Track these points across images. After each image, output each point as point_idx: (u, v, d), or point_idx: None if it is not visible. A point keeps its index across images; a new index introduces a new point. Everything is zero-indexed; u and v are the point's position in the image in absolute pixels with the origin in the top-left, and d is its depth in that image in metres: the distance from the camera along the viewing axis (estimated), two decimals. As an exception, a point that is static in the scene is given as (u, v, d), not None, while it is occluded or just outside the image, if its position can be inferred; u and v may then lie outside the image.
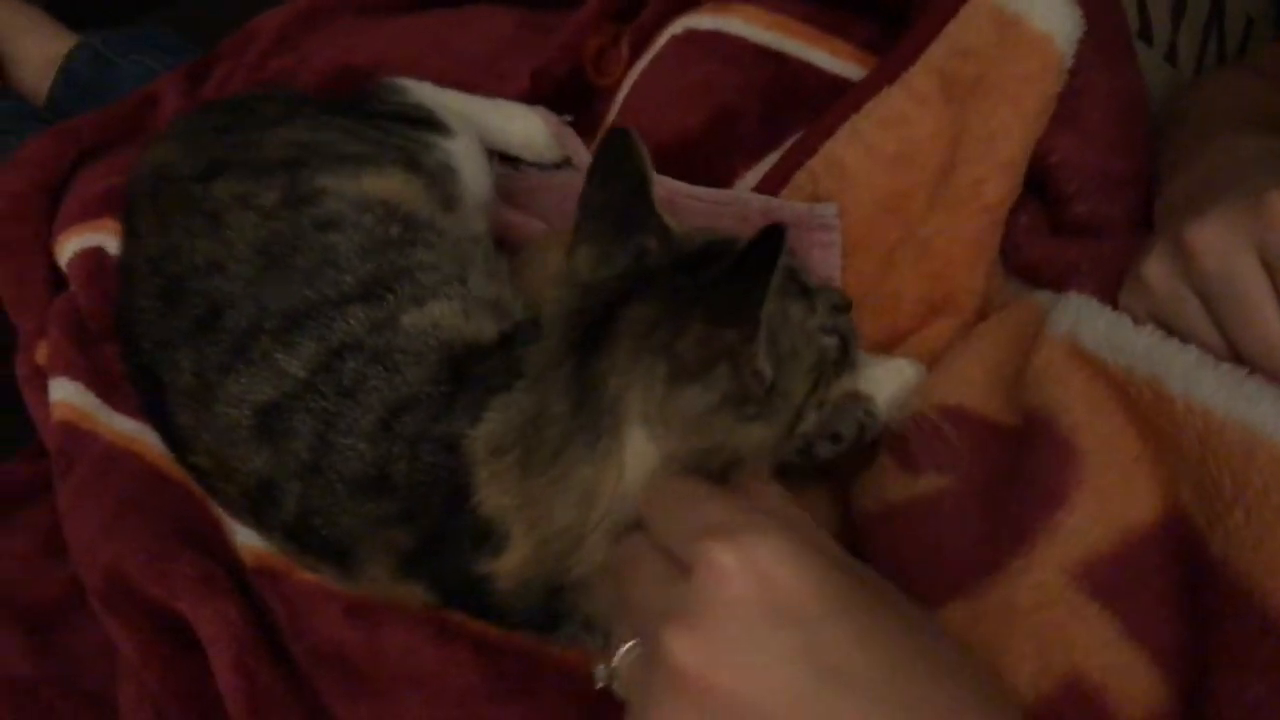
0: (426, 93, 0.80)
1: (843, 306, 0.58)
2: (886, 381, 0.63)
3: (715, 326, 0.48)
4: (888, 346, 0.68)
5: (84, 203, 0.91)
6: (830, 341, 0.55)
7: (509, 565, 0.51)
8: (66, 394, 0.81)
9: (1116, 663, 0.48)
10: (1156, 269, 0.54)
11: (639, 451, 0.49)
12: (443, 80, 0.84)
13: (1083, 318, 0.57)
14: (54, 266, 0.91)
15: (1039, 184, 0.70)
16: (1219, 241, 0.51)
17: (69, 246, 0.88)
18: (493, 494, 0.51)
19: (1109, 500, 0.51)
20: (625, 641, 0.43)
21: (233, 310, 0.59)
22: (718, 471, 0.49)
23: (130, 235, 0.70)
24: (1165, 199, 0.65)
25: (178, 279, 0.62)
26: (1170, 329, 0.54)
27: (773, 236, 0.46)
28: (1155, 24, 0.89)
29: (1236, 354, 0.52)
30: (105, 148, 1.00)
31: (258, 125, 0.70)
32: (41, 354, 0.87)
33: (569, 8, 0.93)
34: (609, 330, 0.51)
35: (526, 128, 0.81)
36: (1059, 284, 0.67)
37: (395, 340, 0.56)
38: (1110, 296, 0.58)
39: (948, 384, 0.62)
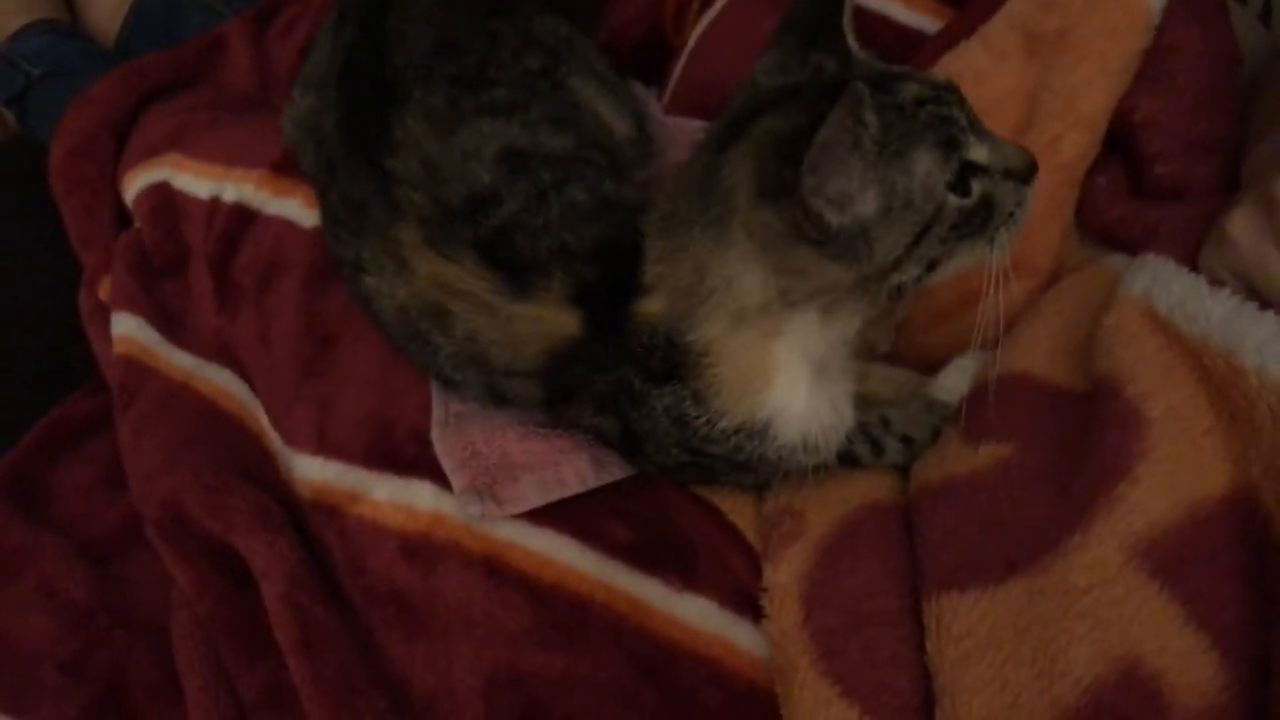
0: None
1: (1018, 172, 0.55)
2: (961, 386, 0.62)
3: (785, 163, 0.50)
4: (964, 307, 0.66)
5: (150, 141, 0.92)
6: (958, 202, 0.53)
7: (647, 310, 0.57)
8: (128, 329, 0.82)
9: (1177, 647, 0.46)
10: (1241, 224, 0.52)
11: (741, 249, 0.54)
12: None
13: (1159, 280, 0.55)
14: (120, 204, 0.92)
15: (1121, 144, 0.68)
16: None
17: (135, 183, 0.89)
18: (650, 251, 0.58)
19: (1176, 472, 0.49)
20: None
21: (502, 89, 0.68)
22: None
23: None
24: (1253, 159, 0.62)
25: (456, 45, 0.70)
26: (1253, 287, 0.52)
27: (848, 90, 0.47)
28: (1248, -17, 0.86)
29: None
30: (172, 87, 1.00)
31: (526, 6, 0.77)
32: (105, 289, 0.88)
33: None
34: (744, 131, 0.54)
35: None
36: (1136, 247, 0.64)
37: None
38: (1190, 260, 0.56)
39: (1015, 351, 0.61)
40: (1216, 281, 0.53)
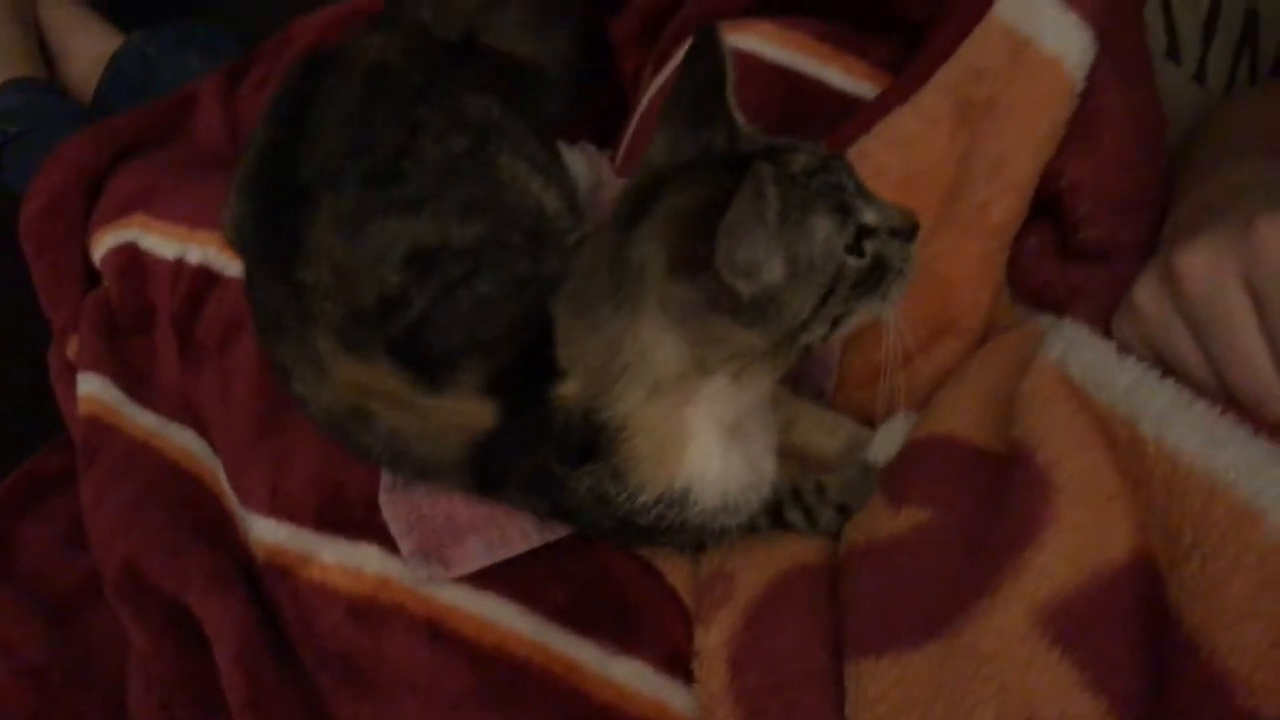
0: None
1: (903, 231, 0.58)
2: (890, 434, 0.64)
3: (695, 239, 0.51)
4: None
5: (119, 201, 0.94)
6: (856, 263, 0.55)
7: (563, 393, 0.57)
8: (93, 389, 0.84)
9: (1076, 712, 0.47)
10: (1147, 294, 0.54)
11: (656, 322, 0.55)
12: None
13: (1073, 346, 0.57)
14: (89, 262, 0.94)
15: (1049, 207, 0.70)
16: (1205, 268, 0.50)
17: (104, 243, 0.91)
18: (560, 332, 0.58)
19: (1081, 538, 0.50)
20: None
21: (414, 183, 0.67)
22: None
23: (319, 80, 0.74)
24: (1169, 224, 0.64)
25: (368, 141, 0.69)
26: (1160, 355, 0.54)
27: (752, 170, 0.49)
28: (1184, 42, 0.88)
29: (1222, 382, 0.51)
30: (144, 145, 1.02)
31: (459, 83, 0.76)
32: (72, 349, 0.90)
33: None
34: (648, 209, 0.55)
35: (572, 159, 0.84)
36: (1062, 308, 0.66)
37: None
38: (1106, 325, 0.58)
39: (940, 413, 0.62)
40: (1126, 349, 0.55)
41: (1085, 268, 0.67)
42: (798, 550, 0.62)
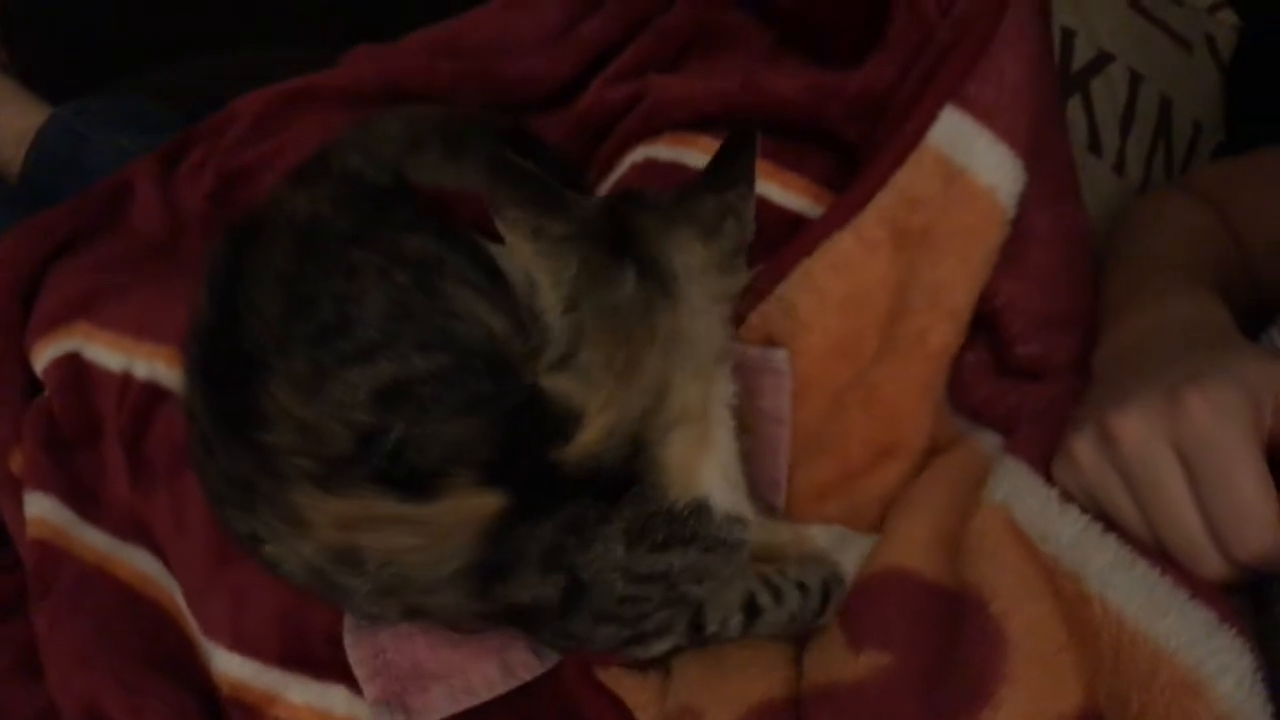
0: None
1: None
2: (850, 548, 0.66)
3: (721, 192, 0.61)
4: (839, 488, 0.71)
5: (58, 307, 0.92)
6: None
7: (584, 441, 0.58)
8: (42, 509, 0.83)
9: None
10: (1084, 450, 0.57)
11: (694, 296, 0.59)
12: None
13: (1016, 491, 0.60)
14: (28, 371, 0.93)
15: (986, 322, 0.73)
16: (1138, 433, 0.53)
17: (45, 354, 0.90)
18: (565, 384, 0.60)
19: (1035, 693, 0.53)
20: None
21: (362, 330, 0.67)
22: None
23: (249, 248, 0.73)
24: (1100, 353, 0.67)
25: (309, 298, 0.69)
26: (1099, 507, 0.57)
27: (747, 130, 0.61)
28: (1104, 135, 0.92)
29: (1156, 539, 0.54)
30: (78, 239, 1.01)
31: (394, 225, 0.77)
32: (16, 462, 0.88)
33: (540, 111, 0.95)
34: (629, 236, 0.61)
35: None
36: (1001, 427, 0.69)
37: None
38: (1045, 466, 0.61)
39: (893, 544, 0.65)
40: (1068, 496, 0.58)
41: (1022, 386, 0.71)
42: (765, 686, 0.64)
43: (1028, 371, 0.72)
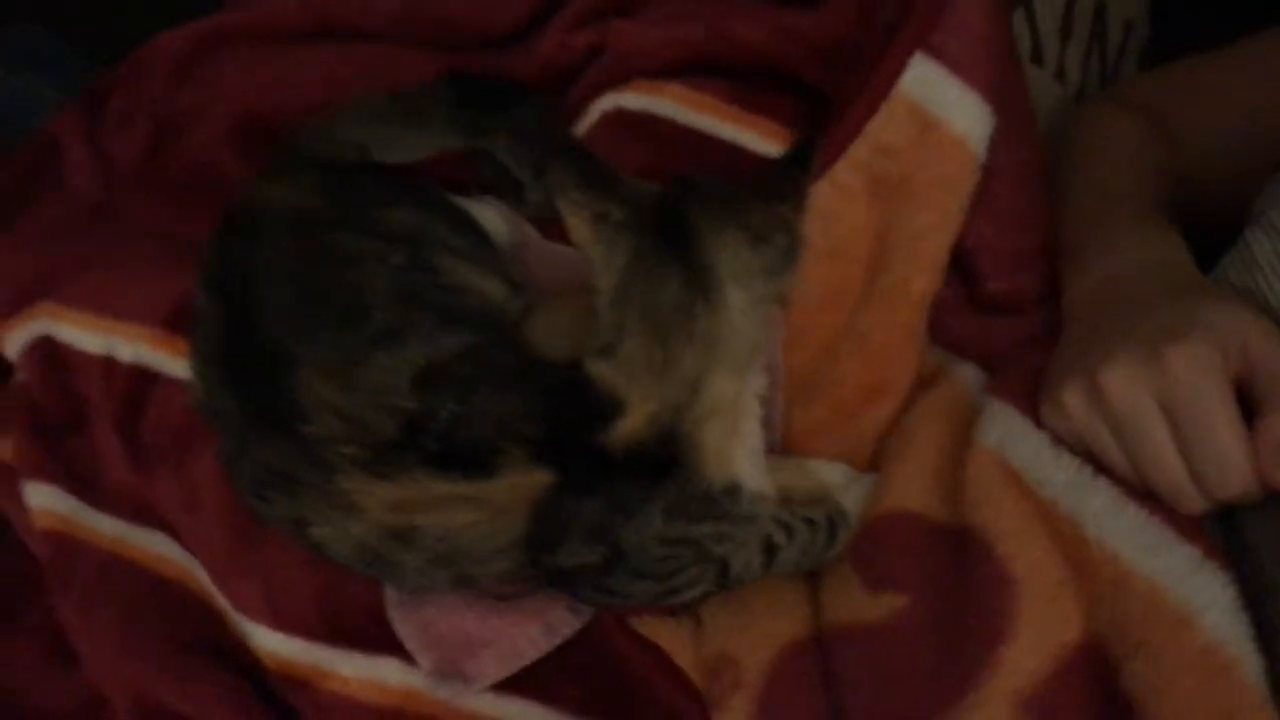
0: None
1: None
2: (853, 485, 0.72)
3: (773, 204, 0.63)
4: (832, 427, 0.76)
5: (16, 287, 0.89)
6: None
7: (628, 429, 0.62)
8: (46, 500, 0.83)
9: None
10: (1074, 400, 0.63)
11: (737, 299, 0.62)
12: None
13: (1009, 436, 0.66)
14: (-2, 355, 0.91)
15: (958, 262, 0.77)
16: (1124, 388, 0.60)
17: (14, 339, 0.88)
18: (607, 371, 0.63)
19: (1043, 627, 0.60)
20: None
21: (381, 314, 0.69)
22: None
23: (252, 243, 0.74)
24: (1070, 295, 0.72)
25: (320, 290, 0.70)
26: (1088, 450, 0.63)
27: (809, 144, 0.64)
28: (1045, 44, 0.95)
29: (1142, 480, 0.61)
30: (10, 206, 0.98)
31: (371, 202, 0.78)
32: (6, 450, 0.88)
33: (492, 51, 0.94)
34: (684, 228, 0.63)
35: (487, 218, 0.84)
36: (980, 361, 0.75)
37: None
38: (1032, 408, 0.67)
39: (895, 486, 0.71)
40: (1057, 439, 0.64)
41: (997, 320, 0.76)
42: (789, 626, 0.70)
43: (1000, 307, 0.77)
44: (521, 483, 0.63)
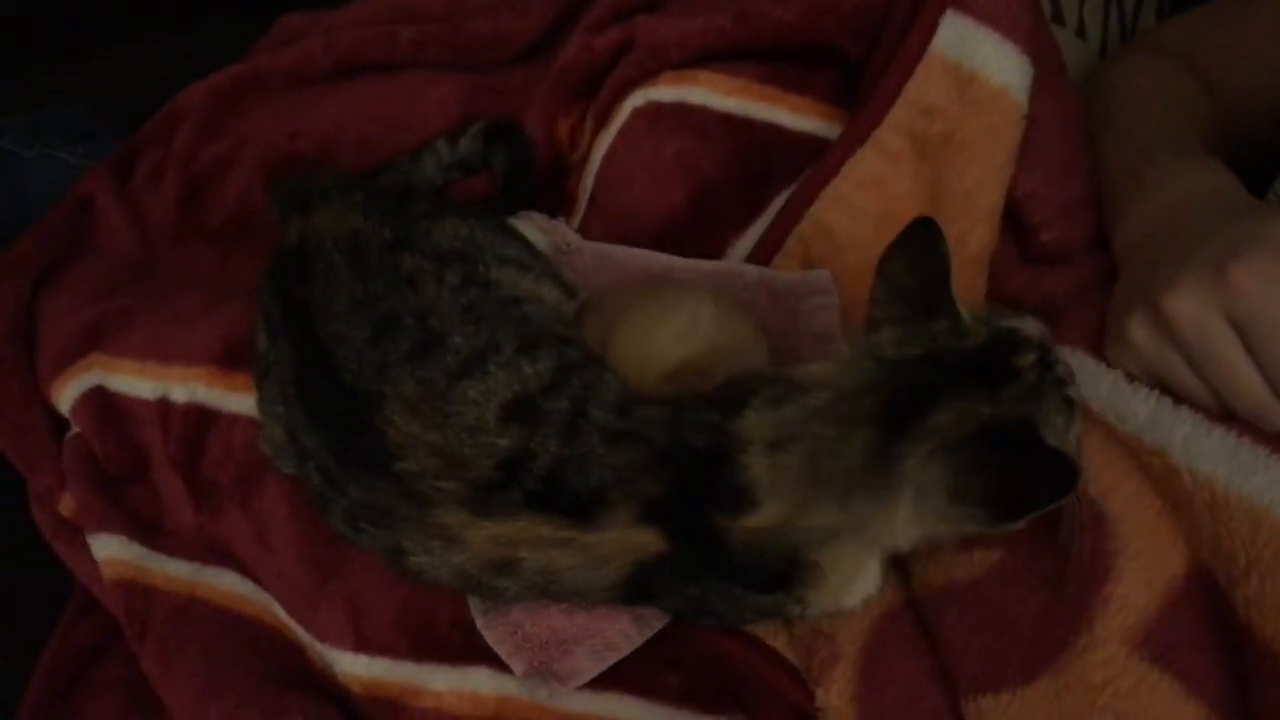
0: None
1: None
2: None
3: (996, 512, 0.59)
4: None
5: (62, 344, 0.90)
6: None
7: (753, 524, 0.61)
8: (113, 551, 0.82)
9: None
10: (1140, 334, 0.62)
11: (906, 516, 0.61)
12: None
13: (1084, 379, 0.64)
14: (50, 412, 0.91)
15: (1008, 216, 0.77)
16: (1192, 311, 0.58)
17: (66, 393, 0.88)
18: (759, 471, 0.62)
19: (1147, 562, 0.59)
20: None
21: (454, 340, 0.68)
22: None
23: (307, 280, 0.73)
24: (1122, 235, 0.71)
25: (392, 318, 0.69)
26: (1162, 382, 0.62)
27: (1067, 472, 0.57)
28: (1064, 2, 0.95)
29: (1224, 404, 0.60)
30: (55, 266, 0.98)
31: (417, 217, 0.77)
32: (66, 506, 0.87)
33: (513, 67, 0.94)
34: (914, 424, 0.60)
35: (525, 229, 0.84)
36: (1040, 314, 0.74)
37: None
38: (1098, 349, 0.66)
39: None
40: (1130, 377, 0.63)
41: (1052, 273, 0.75)
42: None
43: (1053, 257, 0.76)
44: (628, 541, 0.63)
